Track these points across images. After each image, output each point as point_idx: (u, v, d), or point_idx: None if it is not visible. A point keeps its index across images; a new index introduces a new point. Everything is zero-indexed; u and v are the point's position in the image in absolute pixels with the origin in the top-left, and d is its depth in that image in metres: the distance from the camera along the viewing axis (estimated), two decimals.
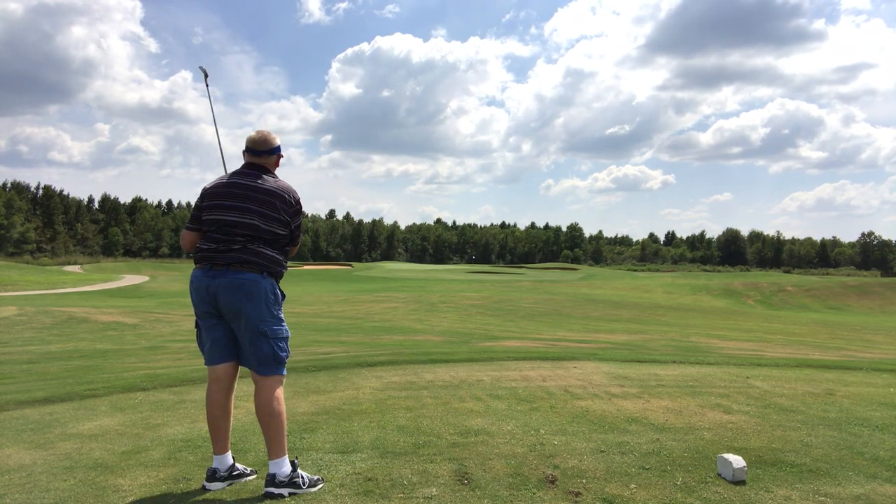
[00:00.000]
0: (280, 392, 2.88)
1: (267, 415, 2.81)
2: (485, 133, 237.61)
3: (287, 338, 2.94)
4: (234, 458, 2.96)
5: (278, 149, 3.07)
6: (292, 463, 2.79)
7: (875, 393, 5.03)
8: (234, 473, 2.90)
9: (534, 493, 2.73)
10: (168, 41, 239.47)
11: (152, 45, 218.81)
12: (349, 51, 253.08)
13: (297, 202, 3.00)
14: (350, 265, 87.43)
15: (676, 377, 5.61)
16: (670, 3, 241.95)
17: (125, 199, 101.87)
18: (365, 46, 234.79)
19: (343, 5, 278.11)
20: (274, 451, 2.80)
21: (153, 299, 31.43)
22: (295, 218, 3.00)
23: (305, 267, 78.23)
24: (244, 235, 2.86)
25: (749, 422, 3.96)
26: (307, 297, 31.62)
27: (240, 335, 2.89)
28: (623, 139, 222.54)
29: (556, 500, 2.67)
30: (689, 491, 2.78)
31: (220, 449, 2.89)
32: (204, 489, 2.79)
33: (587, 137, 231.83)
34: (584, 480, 2.89)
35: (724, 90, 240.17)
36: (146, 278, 50.62)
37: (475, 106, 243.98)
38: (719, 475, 2.96)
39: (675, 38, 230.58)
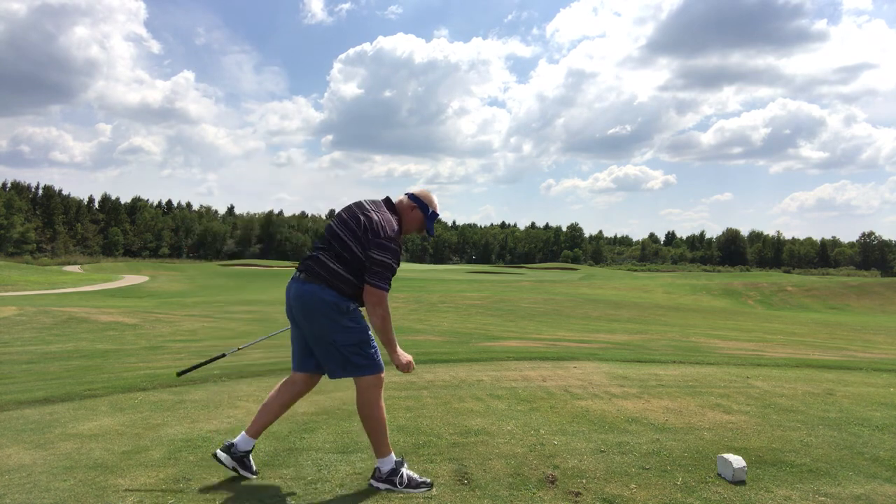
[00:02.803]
0: (372, 395, 2.88)
1: (361, 417, 2.92)
2: (486, 133, 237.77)
3: (359, 343, 2.86)
4: (253, 447, 2.97)
5: (413, 196, 3.02)
6: (396, 462, 2.85)
7: (875, 393, 5.03)
8: (244, 463, 2.91)
9: (534, 493, 2.73)
10: (170, 41, 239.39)
11: (154, 46, 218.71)
12: (351, 51, 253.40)
13: (385, 234, 2.82)
14: None
15: (676, 377, 5.61)
16: (671, 4, 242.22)
17: (126, 199, 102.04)
18: (367, 47, 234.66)
19: (346, 6, 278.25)
20: (374, 450, 2.90)
21: (153, 299, 31.43)
22: (373, 247, 2.81)
23: None
24: (327, 246, 2.91)
25: (749, 422, 3.96)
26: None
27: (310, 343, 2.95)
28: (624, 139, 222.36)
29: (556, 500, 2.68)
30: (689, 491, 2.78)
31: (252, 431, 2.97)
32: (215, 457, 2.91)
33: (588, 137, 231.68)
34: (584, 480, 2.89)
35: (726, 90, 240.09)
36: (146, 278, 50.61)
37: (477, 106, 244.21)
38: (719, 475, 2.96)
39: (676, 38, 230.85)
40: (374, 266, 2.81)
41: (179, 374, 3.41)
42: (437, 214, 3.07)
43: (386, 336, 2.88)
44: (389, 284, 2.87)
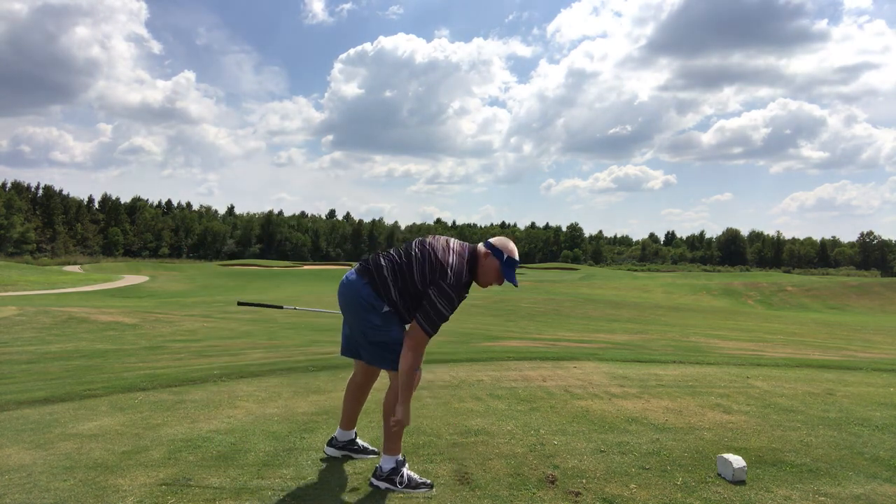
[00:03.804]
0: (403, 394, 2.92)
1: (384, 410, 2.98)
2: (486, 133, 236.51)
3: (385, 341, 2.89)
4: (356, 434, 3.29)
5: (488, 244, 2.93)
6: (398, 461, 2.86)
7: (875, 393, 5.03)
8: (352, 447, 3.24)
9: (534, 493, 2.73)
10: (170, 42, 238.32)
11: (155, 46, 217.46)
12: (351, 51, 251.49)
13: (450, 280, 2.81)
14: (350, 265, 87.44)
15: (676, 377, 5.61)
16: (672, 4, 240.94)
17: (126, 199, 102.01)
18: (368, 47, 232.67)
19: (346, 6, 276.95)
20: (384, 445, 2.94)
21: (153, 299, 31.45)
22: (433, 286, 2.82)
23: (305, 267, 78.21)
24: (394, 258, 2.94)
25: (749, 422, 3.97)
26: (307, 296, 31.61)
27: (352, 331, 3.09)
28: (624, 139, 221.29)
29: (556, 500, 2.68)
30: (689, 491, 2.78)
31: (343, 424, 3.27)
32: (326, 455, 3.19)
33: (588, 137, 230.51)
34: (584, 480, 2.89)
35: (726, 90, 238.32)
36: (146, 278, 50.63)
37: (477, 106, 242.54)
38: (719, 475, 2.96)
39: (676, 38, 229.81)
40: (428, 305, 2.83)
41: (240, 304, 3.95)
42: (516, 261, 2.90)
43: (406, 383, 2.82)
44: (436, 330, 2.87)
